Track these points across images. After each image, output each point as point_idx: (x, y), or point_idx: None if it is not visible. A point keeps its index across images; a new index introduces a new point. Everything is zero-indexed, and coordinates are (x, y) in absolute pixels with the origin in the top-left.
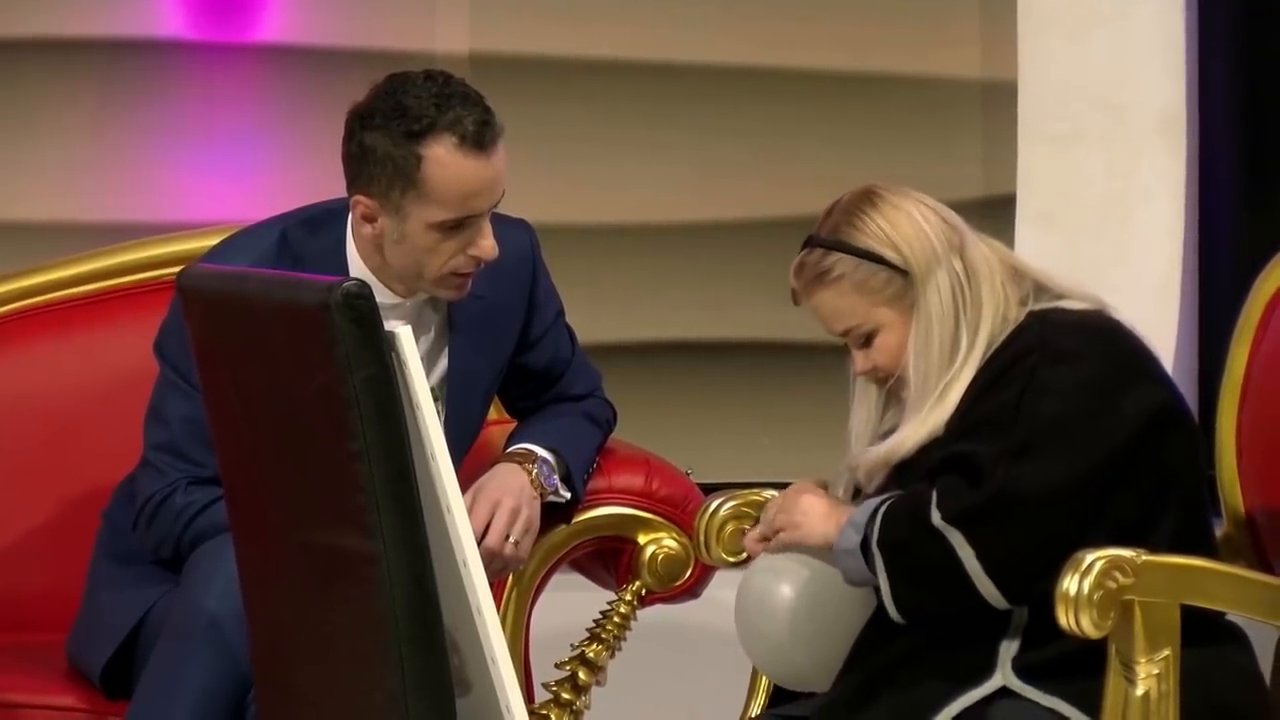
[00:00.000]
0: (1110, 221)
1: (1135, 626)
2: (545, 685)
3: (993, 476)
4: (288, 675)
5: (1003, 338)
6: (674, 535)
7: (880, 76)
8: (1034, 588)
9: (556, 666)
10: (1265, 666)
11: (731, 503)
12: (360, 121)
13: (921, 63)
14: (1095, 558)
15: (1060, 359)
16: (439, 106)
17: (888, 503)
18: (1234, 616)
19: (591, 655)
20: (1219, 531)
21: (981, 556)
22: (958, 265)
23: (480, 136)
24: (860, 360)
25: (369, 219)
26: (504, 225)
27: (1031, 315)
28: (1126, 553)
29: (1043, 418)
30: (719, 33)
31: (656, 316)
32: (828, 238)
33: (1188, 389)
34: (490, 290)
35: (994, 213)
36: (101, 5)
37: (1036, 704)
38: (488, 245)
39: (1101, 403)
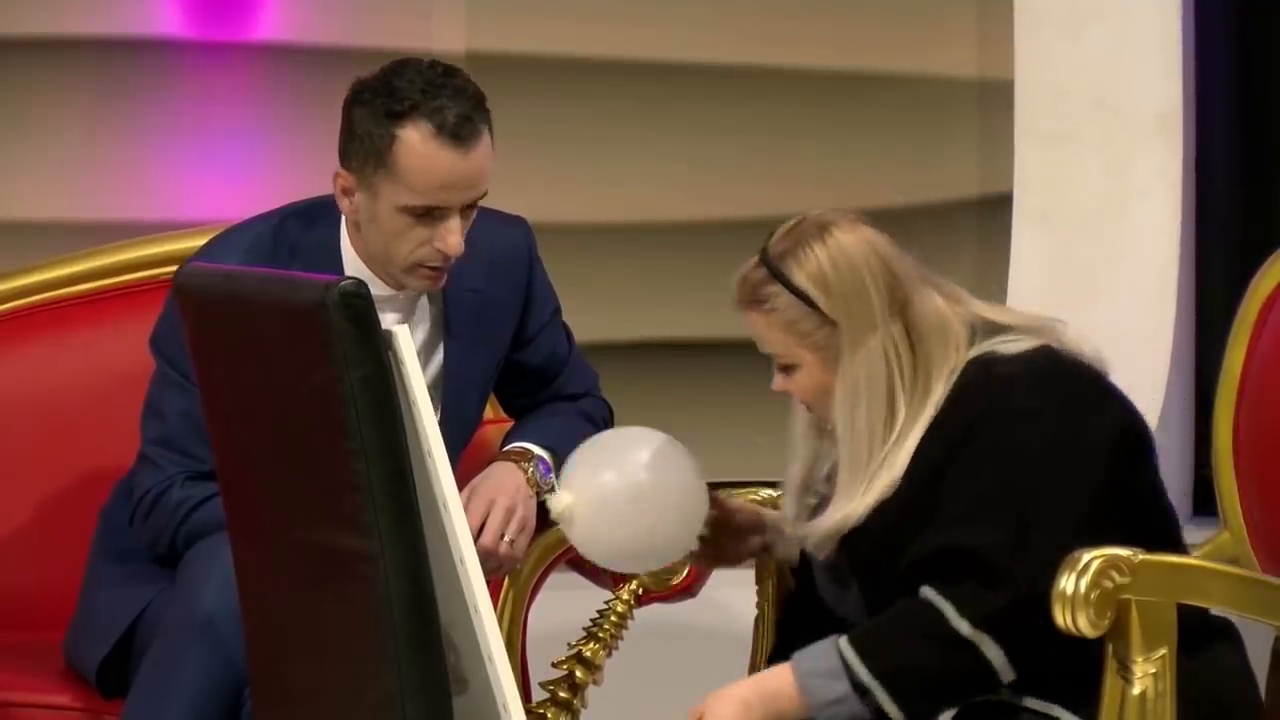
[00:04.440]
0: (1107, 220)
1: (1132, 626)
2: (542, 684)
3: (1009, 574)
4: (284, 674)
5: (947, 392)
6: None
7: (876, 75)
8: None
9: (553, 665)
10: (1260, 664)
11: None
12: (353, 95)
13: (918, 61)
14: (1092, 557)
15: (1018, 419)
16: (425, 92)
17: (848, 637)
18: (1228, 615)
19: (588, 654)
20: (1216, 531)
21: (1010, 653)
22: (896, 330)
23: (458, 129)
24: (778, 380)
25: (347, 193)
26: (501, 222)
27: (971, 364)
28: (1123, 552)
29: (1026, 492)
30: (715, 32)
31: (652, 315)
32: (774, 261)
33: (1184, 388)
34: (486, 285)
35: (990, 211)
36: (97, 4)
37: (1031, 709)
38: (453, 241)
39: (1072, 453)
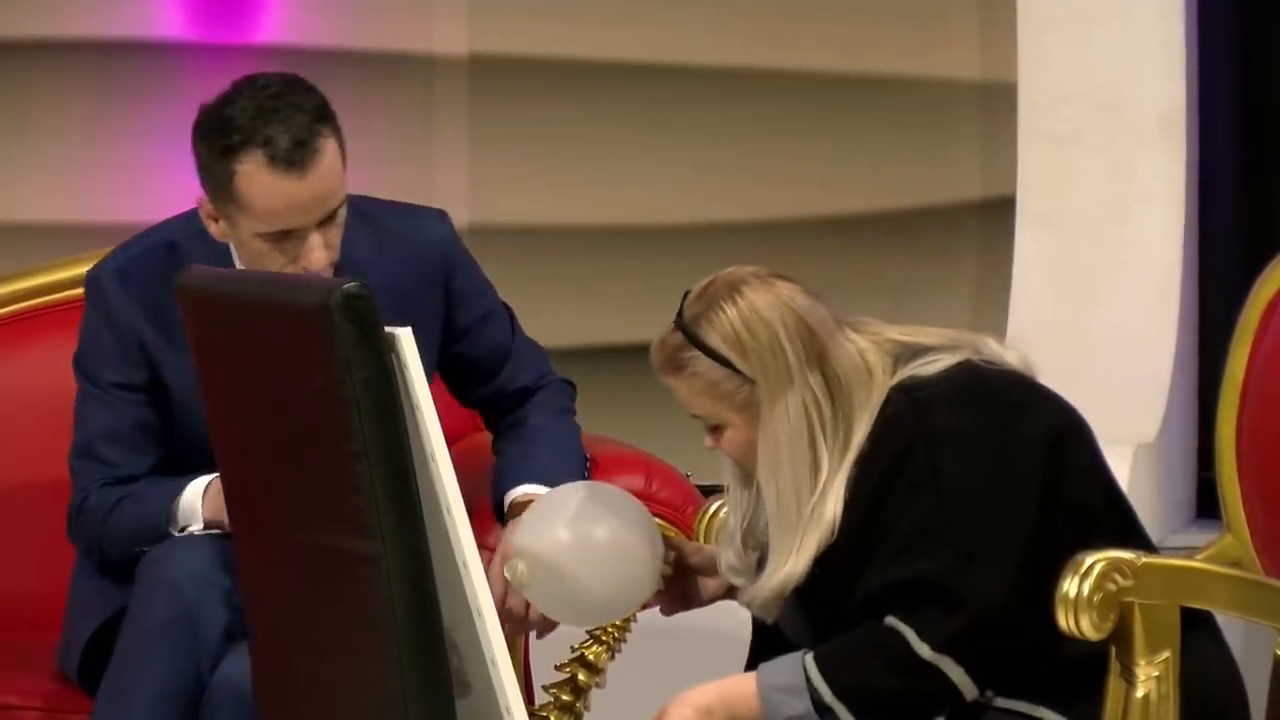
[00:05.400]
0: (1110, 223)
1: (1135, 628)
2: (545, 687)
3: (965, 596)
4: (286, 675)
5: (872, 427)
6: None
7: (880, 78)
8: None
9: (556, 668)
10: (1262, 668)
11: None
12: (194, 127)
13: (920, 64)
14: (1094, 559)
15: (947, 442)
16: (257, 118)
17: (814, 655)
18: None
19: (591, 657)
20: (1219, 534)
21: (971, 672)
22: (815, 381)
23: (291, 156)
24: (708, 440)
25: (212, 218)
26: (416, 215)
27: (893, 392)
28: (1126, 554)
29: (968, 512)
30: (716, 34)
31: (654, 318)
32: (689, 326)
33: (1187, 392)
34: (400, 281)
35: (993, 214)
36: (97, 6)
37: (1017, 711)
38: (315, 257)
39: (1006, 465)
